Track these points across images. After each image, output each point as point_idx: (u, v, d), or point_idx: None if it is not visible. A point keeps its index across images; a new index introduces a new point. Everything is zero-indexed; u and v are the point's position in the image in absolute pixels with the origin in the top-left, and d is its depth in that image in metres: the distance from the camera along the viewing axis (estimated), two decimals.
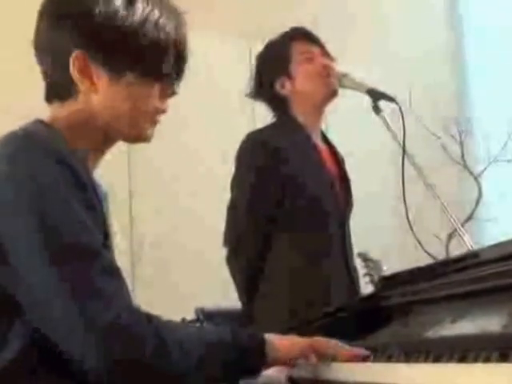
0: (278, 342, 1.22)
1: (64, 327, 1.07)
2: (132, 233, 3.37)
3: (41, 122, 1.23)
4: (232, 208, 2.30)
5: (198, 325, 2.55)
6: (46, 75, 1.27)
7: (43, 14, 1.26)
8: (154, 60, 1.24)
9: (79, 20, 1.21)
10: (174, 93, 1.30)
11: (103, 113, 1.23)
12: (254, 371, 1.22)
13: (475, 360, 0.91)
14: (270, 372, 1.30)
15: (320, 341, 1.26)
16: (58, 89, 1.25)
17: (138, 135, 1.29)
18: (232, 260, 2.30)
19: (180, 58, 1.29)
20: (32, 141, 1.15)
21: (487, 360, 0.89)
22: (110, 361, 1.05)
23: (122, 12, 1.21)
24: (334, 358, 1.23)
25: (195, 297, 3.02)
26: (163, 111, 1.30)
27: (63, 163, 1.13)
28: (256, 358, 1.20)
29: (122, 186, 3.38)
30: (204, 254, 3.37)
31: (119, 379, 1.07)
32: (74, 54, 1.20)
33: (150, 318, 1.11)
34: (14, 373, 1.07)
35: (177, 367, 1.11)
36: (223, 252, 2.32)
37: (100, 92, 1.22)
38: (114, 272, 1.13)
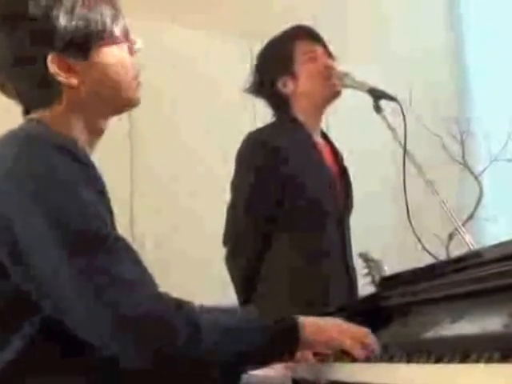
0: (312, 326, 1.23)
1: (92, 322, 1.07)
2: (133, 233, 3.36)
3: (37, 120, 1.25)
4: (231, 208, 2.29)
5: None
6: (19, 91, 1.29)
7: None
8: (103, 27, 1.30)
9: (29, 28, 1.24)
10: (136, 48, 1.36)
11: (93, 94, 1.28)
12: (289, 353, 1.21)
13: (477, 361, 0.90)
14: (272, 373, 1.30)
15: (355, 329, 1.27)
16: (41, 97, 1.27)
17: (129, 99, 1.34)
18: (230, 260, 2.29)
19: (119, 14, 1.34)
20: (35, 137, 1.16)
21: (489, 360, 0.89)
22: (143, 351, 1.05)
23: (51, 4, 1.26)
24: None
25: (195, 297, 3.02)
26: (138, 69, 1.36)
27: (75, 157, 1.14)
28: (289, 340, 1.20)
29: (123, 187, 3.37)
30: (204, 255, 3.36)
31: (154, 368, 1.07)
32: (49, 58, 1.24)
33: (179, 305, 1.11)
34: (13, 373, 1.07)
35: (210, 354, 1.11)
36: (223, 252, 2.31)
37: (82, 77, 1.27)
38: (137, 261, 1.13)
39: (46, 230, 1.08)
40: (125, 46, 1.34)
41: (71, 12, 1.26)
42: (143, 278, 1.12)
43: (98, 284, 1.06)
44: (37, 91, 1.27)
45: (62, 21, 1.25)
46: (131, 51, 1.35)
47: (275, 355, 1.21)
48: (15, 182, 1.12)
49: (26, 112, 1.31)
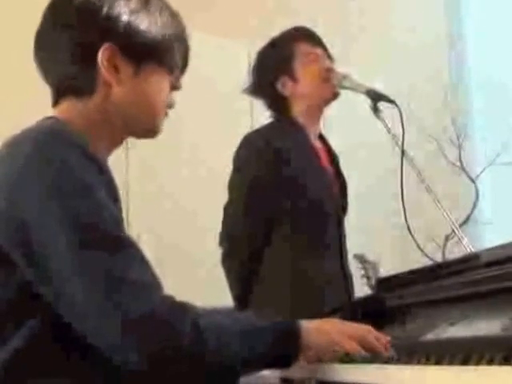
0: (313, 329, 1.22)
1: (101, 322, 1.06)
2: (128, 232, 3.36)
3: (57, 119, 1.25)
4: (228, 209, 2.29)
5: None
6: (57, 74, 1.29)
7: (51, 15, 1.30)
8: (168, 52, 1.33)
9: (98, 17, 1.26)
10: (179, 87, 1.39)
11: (124, 104, 1.29)
12: (291, 358, 1.21)
13: (477, 363, 0.90)
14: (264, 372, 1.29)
15: (358, 329, 1.27)
16: (77, 84, 1.27)
17: (153, 126, 1.35)
18: (227, 260, 2.29)
19: (186, 54, 1.39)
20: (58, 136, 1.16)
21: (489, 363, 0.89)
22: (147, 353, 1.06)
23: (136, 8, 1.30)
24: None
25: (191, 297, 3.02)
26: (173, 104, 1.38)
27: (90, 158, 1.14)
28: (291, 345, 1.19)
29: (119, 186, 3.37)
30: (200, 255, 3.36)
31: (157, 370, 1.07)
32: (104, 46, 1.25)
33: (184, 308, 1.12)
34: (13, 373, 1.07)
35: (214, 356, 1.11)
36: (219, 253, 2.31)
37: (123, 83, 1.27)
38: (145, 263, 1.13)
39: (59, 230, 1.08)
40: (168, 78, 1.35)
41: (155, 23, 1.30)
42: (151, 282, 1.12)
43: (109, 285, 1.06)
44: (78, 76, 1.26)
45: (141, 23, 1.28)
46: (173, 86, 1.37)
47: (276, 361, 1.21)
48: (29, 182, 1.11)
49: (54, 104, 1.31)
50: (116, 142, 1.33)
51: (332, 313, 1.55)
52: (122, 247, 1.10)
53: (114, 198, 1.17)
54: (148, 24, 1.29)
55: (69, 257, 1.07)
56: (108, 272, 1.07)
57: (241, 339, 1.14)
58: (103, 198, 1.12)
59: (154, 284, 1.12)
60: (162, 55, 1.32)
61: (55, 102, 1.31)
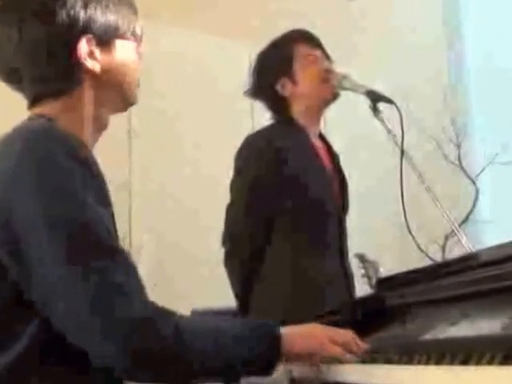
0: (295, 336, 1.23)
1: (83, 325, 1.07)
2: (131, 233, 3.36)
3: (47, 118, 1.25)
4: (230, 209, 2.29)
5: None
6: (37, 76, 1.29)
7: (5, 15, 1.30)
8: (126, 24, 1.38)
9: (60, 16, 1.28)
10: (141, 40, 1.44)
11: (111, 85, 1.34)
12: (270, 366, 1.22)
13: (478, 362, 0.91)
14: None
15: (340, 334, 1.28)
16: (56, 86, 1.28)
17: (135, 96, 1.41)
18: (229, 261, 2.29)
19: (133, 7, 1.44)
20: (49, 136, 1.16)
21: (490, 362, 0.89)
22: (130, 351, 1.06)
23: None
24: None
25: (192, 297, 3.02)
26: (141, 56, 1.44)
27: (81, 161, 1.15)
28: (271, 352, 1.20)
29: (121, 189, 3.37)
30: (202, 254, 3.37)
31: (141, 373, 1.09)
32: (84, 39, 1.29)
33: (167, 312, 1.13)
34: (15, 373, 1.07)
35: (195, 358, 1.12)
36: (221, 252, 2.32)
37: (102, 65, 1.32)
38: (131, 269, 1.13)
39: (45, 231, 1.08)
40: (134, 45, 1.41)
41: (106, 6, 1.34)
42: (136, 286, 1.12)
43: (92, 287, 1.07)
44: (60, 76, 1.29)
45: (98, 12, 1.32)
46: (138, 53, 1.42)
47: (257, 367, 1.21)
48: (19, 181, 1.11)
49: (32, 104, 1.31)
50: (102, 127, 1.36)
51: (332, 313, 1.55)
52: (108, 251, 1.11)
53: (106, 202, 1.18)
54: (101, 7, 1.34)
55: (52, 255, 1.08)
56: (93, 276, 1.07)
57: (221, 343, 1.15)
58: (92, 202, 1.12)
59: (138, 288, 1.12)
60: (125, 29, 1.37)
61: (31, 104, 1.32)
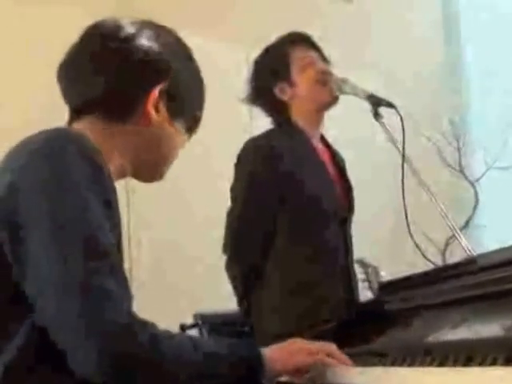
0: (276, 354, 1.25)
1: (65, 326, 1.07)
2: (130, 235, 3.36)
3: (73, 128, 1.28)
4: (231, 215, 2.29)
5: (196, 330, 2.56)
6: (106, 90, 1.30)
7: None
8: (196, 119, 1.42)
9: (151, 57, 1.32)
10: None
11: (143, 146, 1.33)
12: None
13: (480, 364, 0.91)
14: None
15: (325, 347, 1.29)
16: (114, 105, 1.30)
17: (162, 173, 1.42)
18: (230, 267, 2.28)
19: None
20: (70, 139, 1.17)
21: (492, 364, 0.90)
22: (108, 354, 1.06)
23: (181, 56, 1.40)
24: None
25: (193, 300, 3.02)
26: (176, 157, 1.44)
27: (94, 163, 1.15)
28: (252, 371, 1.21)
29: (120, 187, 3.37)
30: (203, 258, 3.37)
31: (116, 376, 1.08)
32: (161, 86, 1.31)
33: (146, 322, 1.13)
34: (12, 372, 1.08)
35: (170, 368, 1.13)
36: (222, 255, 2.31)
37: (155, 126, 1.32)
38: (119, 275, 1.14)
39: (47, 230, 1.09)
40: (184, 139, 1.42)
41: (191, 76, 1.39)
42: (123, 293, 1.12)
43: (80, 290, 1.07)
44: (123, 103, 1.31)
45: (181, 75, 1.35)
46: (183, 143, 1.43)
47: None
48: (28, 172, 1.13)
49: (75, 114, 1.32)
50: (119, 173, 1.34)
51: (329, 320, 1.56)
52: (98, 254, 1.11)
53: (112, 207, 1.17)
54: (190, 79, 1.38)
55: (45, 250, 1.09)
56: (80, 277, 1.08)
57: (199, 360, 1.16)
58: (97, 208, 1.13)
59: (125, 296, 1.13)
60: (192, 121, 1.40)
61: (73, 118, 1.32)
